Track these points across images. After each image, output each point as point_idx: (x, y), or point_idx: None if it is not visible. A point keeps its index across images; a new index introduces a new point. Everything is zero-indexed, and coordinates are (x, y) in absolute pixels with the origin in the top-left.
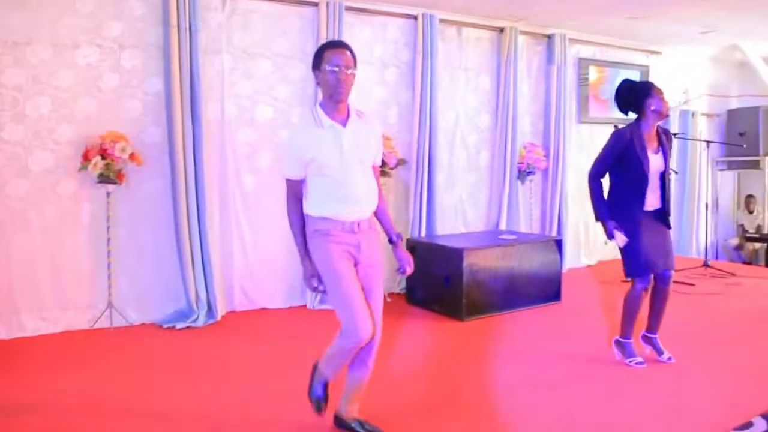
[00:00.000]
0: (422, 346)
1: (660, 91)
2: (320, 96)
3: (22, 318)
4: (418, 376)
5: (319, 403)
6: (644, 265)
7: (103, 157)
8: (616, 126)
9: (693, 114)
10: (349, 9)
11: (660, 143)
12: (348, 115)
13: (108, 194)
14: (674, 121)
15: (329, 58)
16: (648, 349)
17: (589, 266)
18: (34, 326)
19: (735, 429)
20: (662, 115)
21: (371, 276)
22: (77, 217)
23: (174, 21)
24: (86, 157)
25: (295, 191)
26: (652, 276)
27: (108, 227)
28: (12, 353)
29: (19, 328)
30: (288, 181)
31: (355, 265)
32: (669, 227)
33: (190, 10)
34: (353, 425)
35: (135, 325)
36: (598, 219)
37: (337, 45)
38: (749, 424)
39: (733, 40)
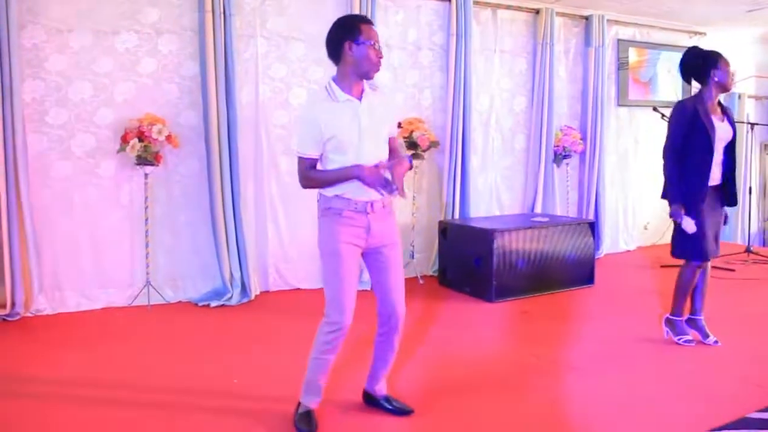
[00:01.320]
0: (450, 326)
1: (727, 63)
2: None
3: (65, 294)
4: (443, 356)
5: None
6: (702, 250)
7: (141, 140)
8: (655, 108)
9: (740, 96)
10: None
11: (724, 113)
12: (363, 90)
13: (146, 175)
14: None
15: (368, 34)
16: (690, 332)
17: (627, 251)
18: (75, 302)
19: (760, 410)
20: (725, 87)
21: (387, 256)
22: (117, 197)
23: (209, 6)
24: (125, 140)
25: (308, 172)
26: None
27: (146, 208)
28: (54, 327)
29: (61, 303)
30: (304, 159)
31: (364, 251)
32: (735, 203)
33: None
34: (382, 402)
35: (171, 302)
36: (666, 198)
37: (368, 21)
38: None
39: None
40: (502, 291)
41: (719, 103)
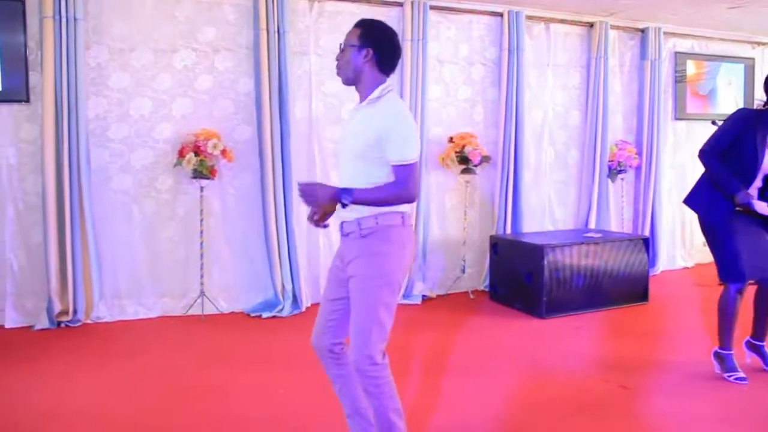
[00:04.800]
0: (497, 342)
1: None
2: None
3: (124, 302)
4: (481, 370)
5: None
6: (740, 269)
7: (197, 154)
8: (714, 121)
9: None
10: (434, 8)
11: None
12: (362, 100)
13: (201, 189)
14: None
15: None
16: (750, 357)
17: (685, 268)
18: (133, 310)
19: None
20: None
21: (350, 289)
22: (173, 210)
23: (264, 24)
24: (181, 154)
25: None
26: (748, 280)
27: (201, 220)
28: (112, 334)
29: (120, 311)
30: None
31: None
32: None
33: (279, 14)
34: None
35: (225, 313)
36: (728, 193)
37: (355, 24)
38: None
39: None
40: (553, 307)
41: None
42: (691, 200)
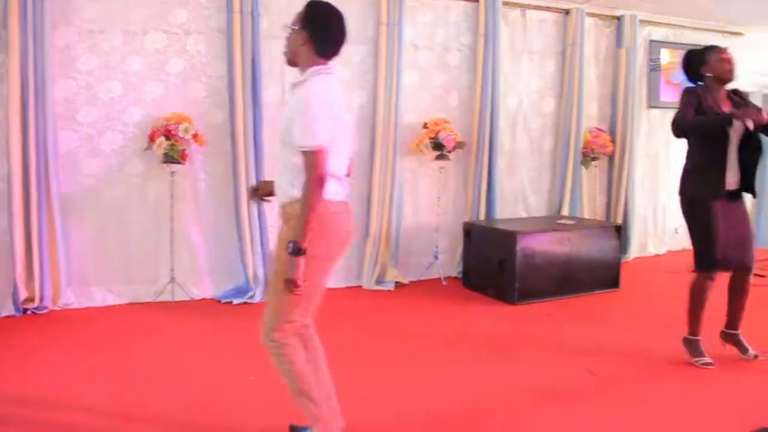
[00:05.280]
0: (468, 328)
1: (719, 53)
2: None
3: (92, 289)
4: (451, 357)
5: None
6: (714, 258)
7: (168, 138)
8: None
9: None
10: None
11: (733, 104)
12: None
13: (172, 173)
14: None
15: None
16: (727, 347)
17: (657, 255)
18: (102, 297)
19: None
20: (722, 79)
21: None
22: (143, 194)
23: (237, 7)
24: (152, 138)
25: None
26: (720, 270)
27: (172, 205)
28: (80, 322)
29: (88, 298)
30: None
31: None
32: (752, 190)
33: None
34: None
35: (195, 299)
36: (720, 124)
37: None
38: None
39: None
40: (525, 293)
41: (729, 96)
42: (681, 187)
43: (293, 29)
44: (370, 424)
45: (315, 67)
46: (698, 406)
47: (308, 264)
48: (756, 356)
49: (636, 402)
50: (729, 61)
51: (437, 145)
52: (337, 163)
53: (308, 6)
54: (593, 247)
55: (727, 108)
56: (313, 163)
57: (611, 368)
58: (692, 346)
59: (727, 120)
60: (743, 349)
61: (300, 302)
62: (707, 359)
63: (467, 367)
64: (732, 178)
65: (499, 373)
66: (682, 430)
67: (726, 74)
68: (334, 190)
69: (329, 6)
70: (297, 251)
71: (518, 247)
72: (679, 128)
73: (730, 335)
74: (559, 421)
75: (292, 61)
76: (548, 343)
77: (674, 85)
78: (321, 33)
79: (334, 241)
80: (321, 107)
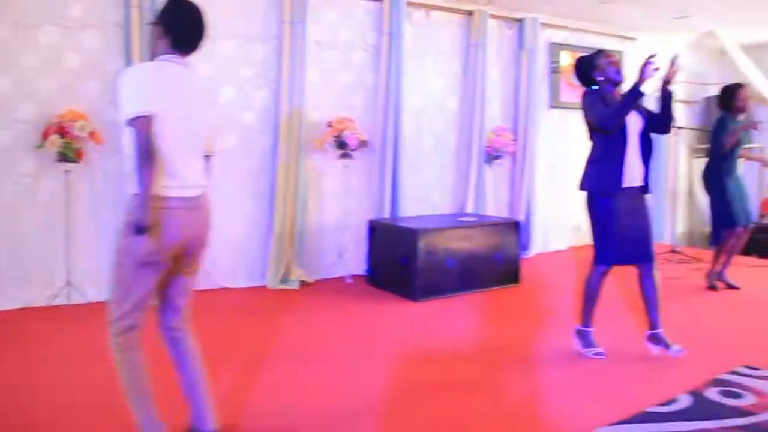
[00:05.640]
0: (369, 326)
1: (607, 57)
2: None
3: None
4: (353, 355)
5: None
6: (609, 253)
7: (62, 136)
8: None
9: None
10: None
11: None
12: None
13: (66, 172)
14: (651, 107)
15: None
16: (657, 349)
17: (559, 251)
18: None
19: (659, 404)
20: (613, 81)
21: None
22: (36, 194)
23: (135, 1)
24: (45, 136)
25: None
26: (615, 264)
27: (68, 205)
28: None
29: None
30: None
31: None
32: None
33: None
34: None
35: (93, 302)
36: (633, 96)
37: None
38: (674, 400)
39: (709, 26)
40: (427, 290)
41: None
42: (582, 182)
43: (151, 24)
44: (253, 421)
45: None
46: (587, 394)
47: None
48: (680, 351)
49: (524, 391)
50: (615, 64)
51: (341, 144)
52: (172, 157)
53: (166, 2)
54: (494, 244)
55: None
56: (132, 135)
57: (506, 360)
58: (584, 337)
59: (637, 90)
60: (666, 345)
61: (126, 299)
62: (598, 349)
63: (367, 363)
64: (633, 174)
65: (392, 369)
66: (571, 417)
67: (614, 76)
68: (163, 184)
69: (185, 1)
70: (138, 229)
71: (420, 245)
72: (607, 119)
73: (653, 336)
74: (449, 414)
75: (153, 56)
76: (447, 339)
77: (575, 86)
78: (174, 28)
79: (156, 235)
80: (136, 79)
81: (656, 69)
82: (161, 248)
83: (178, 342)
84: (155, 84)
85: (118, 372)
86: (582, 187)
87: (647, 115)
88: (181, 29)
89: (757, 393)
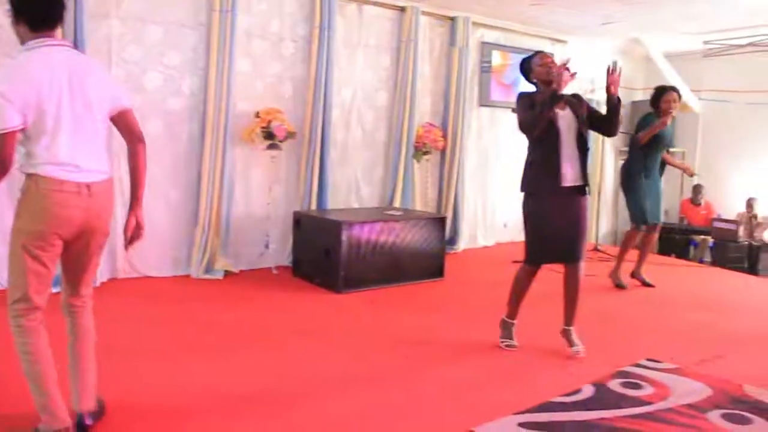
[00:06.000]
0: (290, 317)
1: (541, 58)
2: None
3: None
4: (270, 345)
5: None
6: (537, 254)
7: None
8: (513, 109)
9: (597, 103)
10: None
11: (566, 103)
12: None
13: None
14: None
15: None
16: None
17: (485, 247)
18: None
19: (564, 395)
20: (547, 82)
21: None
22: None
23: None
24: None
25: None
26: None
27: None
28: None
29: None
30: None
31: None
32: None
33: None
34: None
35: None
36: (546, 106)
37: None
38: (578, 391)
39: (634, 33)
40: (351, 282)
41: (566, 99)
42: (521, 184)
43: (9, 16)
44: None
45: (26, 45)
46: (499, 385)
47: (12, 235)
48: (577, 353)
49: (434, 382)
50: (548, 65)
51: (268, 135)
52: (58, 143)
53: None
54: (419, 238)
55: (559, 107)
56: None
57: (423, 352)
58: (505, 327)
59: (554, 95)
60: (571, 343)
61: (20, 281)
62: (512, 342)
63: (284, 353)
64: (570, 174)
65: (310, 359)
66: (476, 408)
67: (546, 77)
68: (48, 169)
69: None
70: None
71: (344, 237)
72: (525, 125)
73: (564, 331)
74: (363, 404)
75: (21, 43)
76: (366, 330)
77: (505, 86)
78: (24, 7)
79: (41, 218)
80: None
81: (573, 74)
82: (46, 231)
83: (73, 317)
84: (18, 87)
85: (18, 355)
86: (521, 189)
87: (591, 115)
88: (29, 7)
89: (656, 384)
